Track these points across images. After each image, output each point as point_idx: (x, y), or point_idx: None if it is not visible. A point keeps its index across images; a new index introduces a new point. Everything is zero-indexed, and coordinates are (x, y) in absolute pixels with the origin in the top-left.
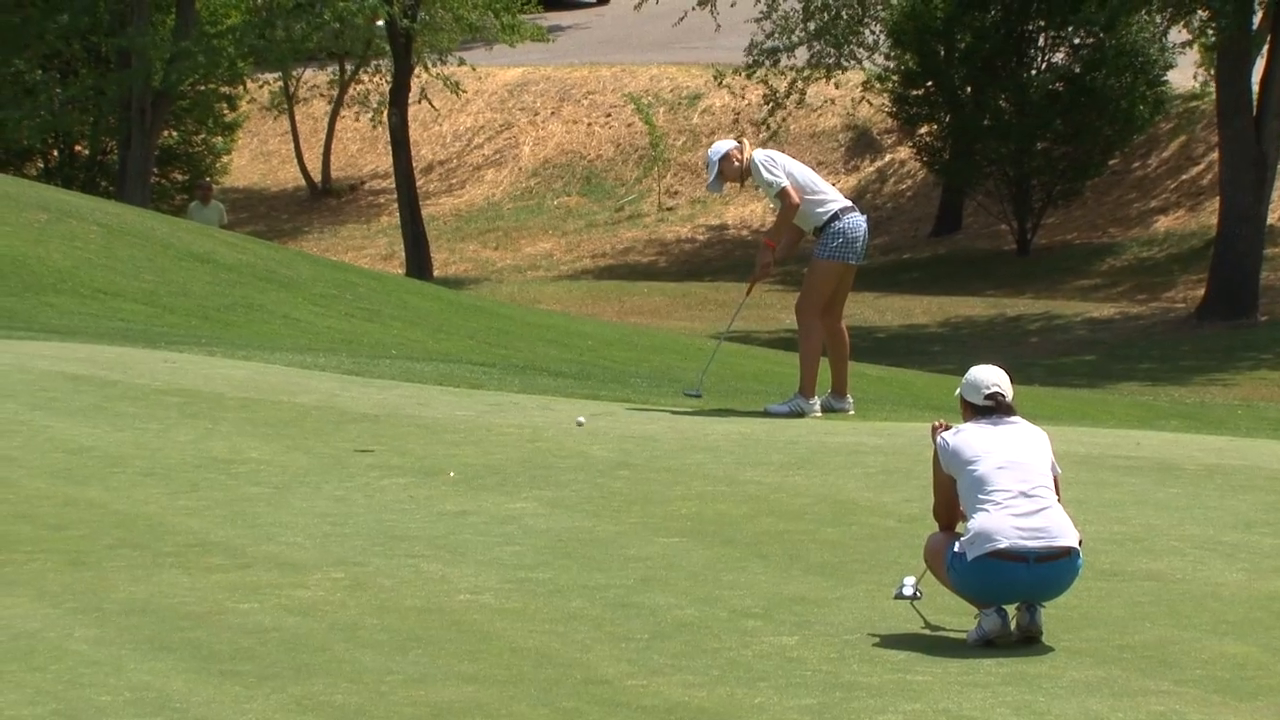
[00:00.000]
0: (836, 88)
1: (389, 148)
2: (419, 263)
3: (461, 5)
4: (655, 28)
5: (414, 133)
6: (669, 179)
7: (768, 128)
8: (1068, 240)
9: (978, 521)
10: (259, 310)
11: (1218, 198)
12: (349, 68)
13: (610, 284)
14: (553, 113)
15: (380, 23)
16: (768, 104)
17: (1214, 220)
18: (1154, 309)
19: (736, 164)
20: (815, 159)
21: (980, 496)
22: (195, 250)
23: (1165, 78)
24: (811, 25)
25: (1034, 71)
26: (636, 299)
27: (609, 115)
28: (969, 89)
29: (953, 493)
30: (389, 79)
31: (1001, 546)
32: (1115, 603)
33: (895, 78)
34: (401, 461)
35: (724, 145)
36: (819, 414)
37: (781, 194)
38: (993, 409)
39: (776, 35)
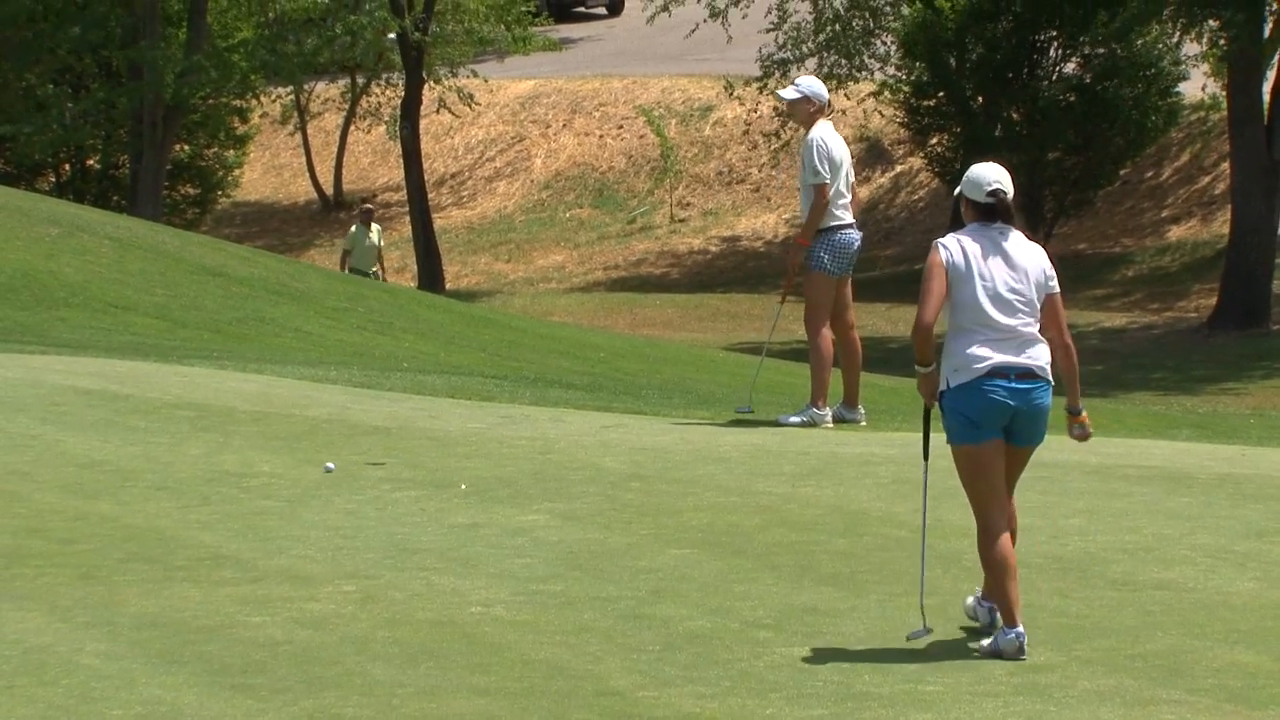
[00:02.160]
0: (848, 99)
1: (401, 160)
2: (431, 275)
3: (473, 18)
4: (667, 39)
5: (426, 145)
6: (681, 190)
7: (779, 138)
8: (1080, 250)
9: (960, 353)
10: (270, 324)
11: (1229, 207)
12: (360, 81)
13: (622, 296)
14: (564, 125)
15: (391, 36)
16: (779, 115)
17: (1226, 229)
18: (1166, 318)
19: (809, 111)
20: None
21: (969, 324)
22: (207, 264)
23: (1177, 88)
24: (823, 36)
25: (1046, 82)
26: (649, 311)
27: (621, 127)
28: (980, 99)
29: (945, 298)
30: (401, 92)
31: (983, 369)
32: (1127, 612)
33: (907, 88)
34: (413, 474)
35: (820, 90)
36: (830, 424)
37: (818, 189)
38: (994, 207)
39: (788, 46)
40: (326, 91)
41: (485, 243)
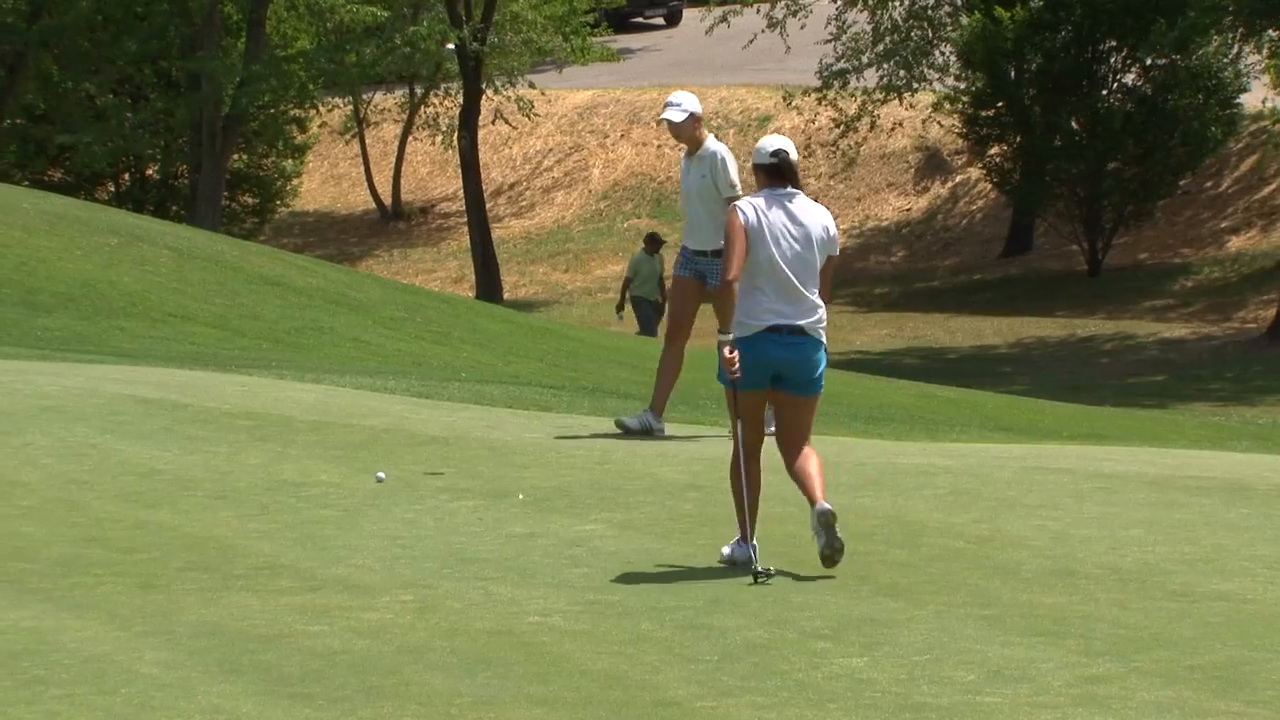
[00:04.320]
0: (907, 109)
1: (459, 171)
2: (489, 285)
3: (531, 28)
4: (725, 50)
5: (484, 156)
6: None
7: (838, 150)
8: (1139, 260)
9: (744, 308)
10: (329, 333)
11: None
12: (419, 91)
13: None
14: (622, 135)
15: (450, 46)
16: (838, 126)
17: None
18: (1226, 329)
19: (696, 128)
20: (886, 180)
21: (757, 282)
22: (266, 274)
23: (1238, 99)
24: (881, 47)
25: (1105, 92)
26: (707, 321)
27: None
28: (1039, 110)
29: (746, 256)
30: (459, 102)
31: (761, 326)
32: (1186, 623)
33: (965, 99)
34: (471, 484)
35: (697, 105)
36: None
37: (733, 205)
38: (778, 166)
39: (846, 57)
40: (385, 101)
41: (543, 253)
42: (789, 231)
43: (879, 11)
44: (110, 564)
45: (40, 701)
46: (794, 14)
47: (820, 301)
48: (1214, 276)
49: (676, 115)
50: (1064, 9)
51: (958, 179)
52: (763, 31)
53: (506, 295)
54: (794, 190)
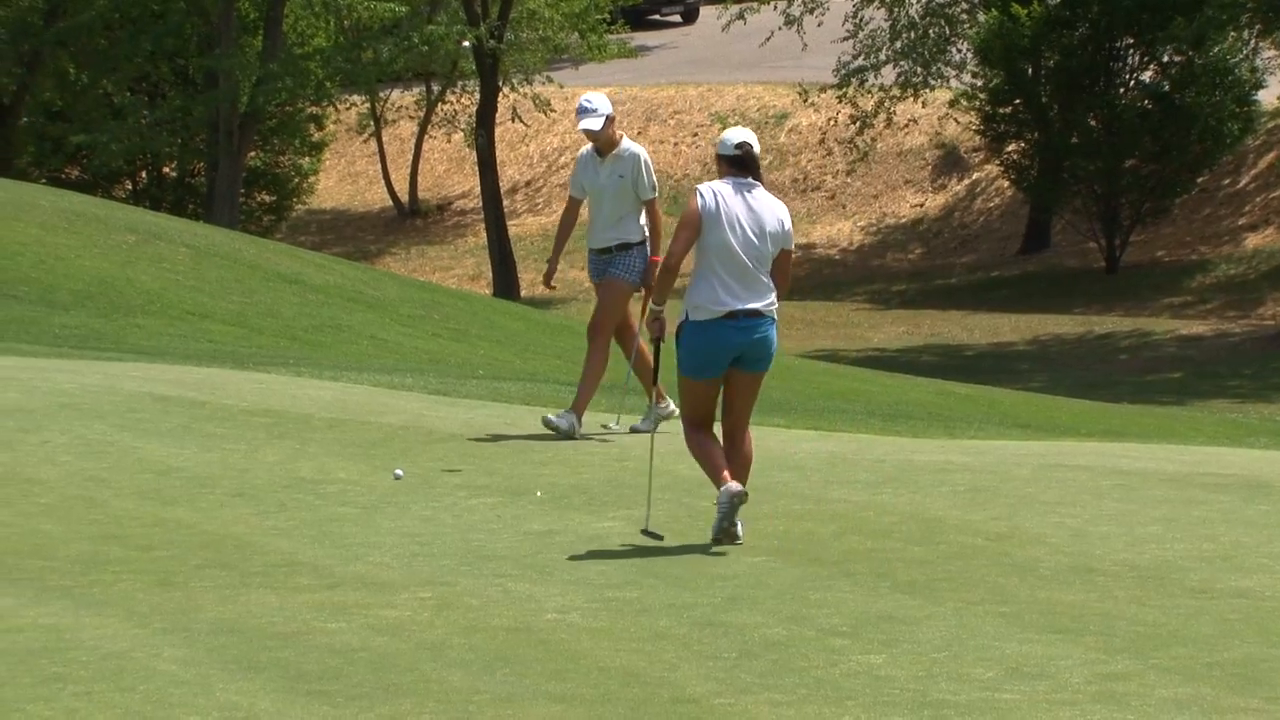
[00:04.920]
0: (924, 106)
1: (476, 168)
2: (506, 282)
3: (547, 26)
4: (742, 47)
5: (500, 153)
6: None
7: (855, 147)
8: (1157, 258)
9: (702, 293)
10: (346, 331)
11: None
12: (436, 88)
13: None
14: (639, 132)
15: (466, 44)
16: (855, 123)
17: None
18: (1244, 326)
19: (610, 134)
20: (903, 177)
21: (713, 266)
22: (283, 271)
23: (1255, 96)
24: (898, 44)
25: (1122, 89)
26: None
27: (695, 134)
28: (1057, 107)
29: (694, 242)
30: (476, 99)
31: (720, 312)
32: (1204, 620)
33: (983, 96)
34: (489, 481)
35: (610, 107)
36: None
37: (653, 204)
38: (741, 158)
39: (864, 54)
40: (401, 99)
41: None
42: (745, 219)
43: (896, 8)
44: (128, 561)
45: (58, 699)
46: (811, 11)
47: (772, 285)
48: (1232, 273)
49: (596, 123)
50: (1081, 6)
51: (975, 176)
52: (780, 29)
53: (524, 292)
54: (754, 182)
